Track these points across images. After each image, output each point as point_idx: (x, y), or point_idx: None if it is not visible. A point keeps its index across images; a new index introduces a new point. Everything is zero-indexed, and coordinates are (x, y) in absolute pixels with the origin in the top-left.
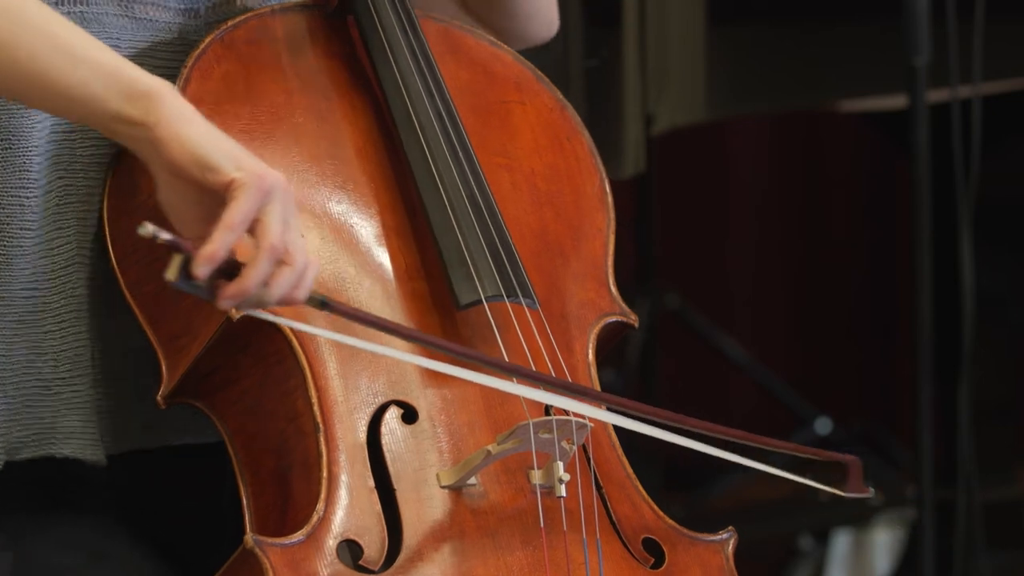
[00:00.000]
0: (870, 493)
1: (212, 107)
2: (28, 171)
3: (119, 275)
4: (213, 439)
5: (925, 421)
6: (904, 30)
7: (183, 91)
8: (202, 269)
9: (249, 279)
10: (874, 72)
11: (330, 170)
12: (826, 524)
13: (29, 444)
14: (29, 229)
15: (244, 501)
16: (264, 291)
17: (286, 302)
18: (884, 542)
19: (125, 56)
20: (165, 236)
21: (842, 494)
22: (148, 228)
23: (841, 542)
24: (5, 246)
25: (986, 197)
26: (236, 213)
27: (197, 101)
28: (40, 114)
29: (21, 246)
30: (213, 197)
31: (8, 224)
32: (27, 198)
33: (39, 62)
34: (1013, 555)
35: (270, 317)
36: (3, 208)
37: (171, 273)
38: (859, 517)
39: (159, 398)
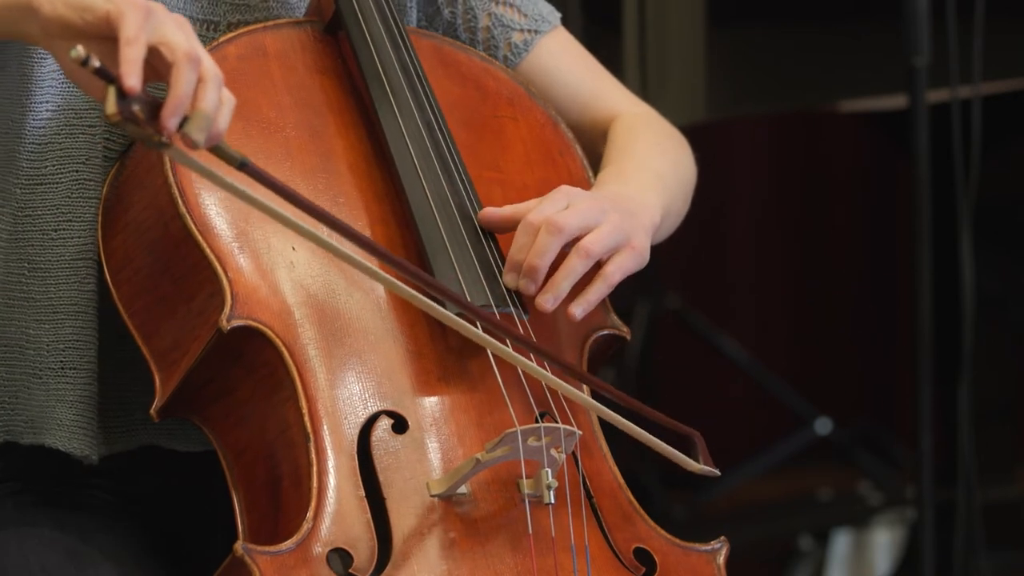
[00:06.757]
0: (716, 471)
1: None
2: (19, 162)
3: (112, 289)
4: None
5: (925, 421)
6: (904, 30)
7: None
8: (131, 79)
9: (178, 86)
10: (874, 72)
11: (322, 184)
12: (826, 524)
13: (27, 430)
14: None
15: (237, 512)
16: (199, 112)
17: (213, 135)
18: (884, 542)
19: None
20: (95, 63)
21: (695, 465)
22: (79, 51)
23: (841, 542)
24: None
25: (986, 197)
26: (127, 28)
27: None
28: (41, 109)
29: None
30: (108, 45)
31: None
32: (15, 186)
33: None
34: (1013, 555)
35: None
36: None
37: (110, 105)
38: (859, 517)
39: (152, 412)
